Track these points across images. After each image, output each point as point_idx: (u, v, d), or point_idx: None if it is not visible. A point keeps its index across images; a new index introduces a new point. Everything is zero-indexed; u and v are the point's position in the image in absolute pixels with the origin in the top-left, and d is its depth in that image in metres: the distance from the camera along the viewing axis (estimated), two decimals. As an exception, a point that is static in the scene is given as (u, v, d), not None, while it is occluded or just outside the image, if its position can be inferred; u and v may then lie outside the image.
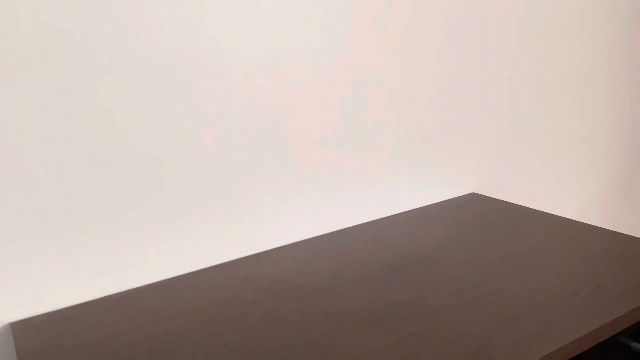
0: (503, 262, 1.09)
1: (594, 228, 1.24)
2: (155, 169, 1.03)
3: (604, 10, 1.74)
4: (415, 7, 1.30)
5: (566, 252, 1.13)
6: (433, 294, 0.98)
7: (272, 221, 1.19)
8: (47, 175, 0.94)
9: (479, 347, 0.82)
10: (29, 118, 0.90)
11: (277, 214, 1.19)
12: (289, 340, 0.86)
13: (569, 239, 1.20)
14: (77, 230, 0.98)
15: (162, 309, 0.97)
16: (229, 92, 1.08)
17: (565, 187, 1.81)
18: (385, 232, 1.26)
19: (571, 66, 1.70)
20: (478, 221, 1.31)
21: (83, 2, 0.91)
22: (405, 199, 1.39)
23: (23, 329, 0.92)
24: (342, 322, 0.90)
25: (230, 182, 1.12)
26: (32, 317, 0.96)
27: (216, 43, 1.05)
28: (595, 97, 1.81)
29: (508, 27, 1.50)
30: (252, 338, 0.87)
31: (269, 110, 1.14)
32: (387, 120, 1.31)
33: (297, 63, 1.15)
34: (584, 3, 1.68)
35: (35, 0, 0.88)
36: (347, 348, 0.83)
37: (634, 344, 0.96)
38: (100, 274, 1.01)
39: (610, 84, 1.85)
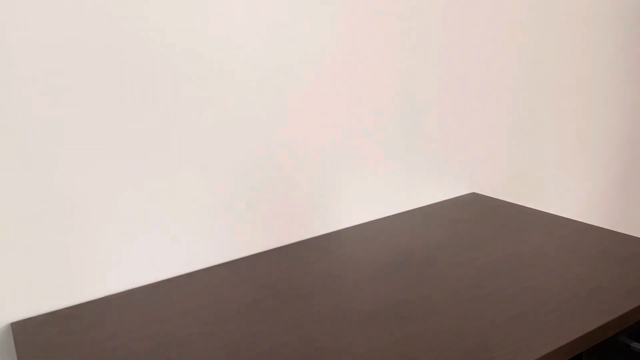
0: (503, 262, 1.09)
1: (594, 228, 1.24)
2: (154, 168, 1.03)
3: (603, 11, 1.74)
4: (417, 10, 1.30)
5: (566, 252, 1.13)
6: (433, 294, 0.98)
7: (272, 221, 1.19)
8: (46, 175, 0.94)
9: (479, 347, 0.82)
10: (38, 115, 0.90)
11: (276, 214, 1.19)
12: (289, 340, 0.86)
13: (569, 239, 1.19)
14: (77, 230, 0.98)
15: (162, 309, 0.97)
16: (232, 92, 1.08)
17: (565, 187, 1.81)
18: (385, 232, 1.26)
19: (571, 67, 1.70)
20: (478, 221, 1.31)
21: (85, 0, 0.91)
22: (405, 199, 1.39)
23: (23, 329, 0.92)
24: (342, 322, 0.90)
25: (230, 182, 1.12)
26: (32, 317, 0.96)
27: (219, 45, 1.05)
28: (595, 97, 1.81)
29: (508, 28, 1.50)
30: (252, 338, 0.87)
31: (270, 111, 1.14)
32: (387, 120, 1.31)
33: (298, 64, 1.15)
34: (584, 4, 1.68)
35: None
36: (347, 348, 0.83)
37: (634, 344, 0.96)
38: (100, 274, 1.02)
39: (610, 84, 1.85)
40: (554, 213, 1.74)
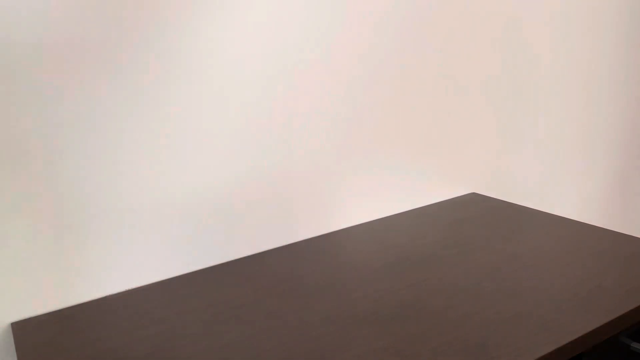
0: (503, 262, 1.09)
1: (594, 228, 1.24)
2: (153, 168, 1.03)
3: (604, 10, 1.74)
4: (413, 9, 1.30)
5: (566, 252, 1.13)
6: (433, 294, 0.98)
7: (272, 221, 1.19)
8: (46, 175, 0.94)
9: (479, 347, 0.82)
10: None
11: (276, 215, 1.19)
12: (289, 340, 0.86)
13: (569, 239, 1.19)
14: (77, 230, 0.98)
15: (162, 309, 0.97)
16: (231, 92, 1.08)
17: (565, 187, 1.81)
18: (385, 232, 1.26)
19: (571, 66, 1.70)
20: (478, 221, 1.31)
21: (88, 1, 0.91)
22: (405, 199, 1.39)
23: (23, 329, 0.92)
24: (342, 322, 0.90)
25: (229, 182, 1.12)
26: (32, 317, 0.96)
27: (219, 44, 1.05)
28: (595, 97, 1.81)
29: (508, 27, 1.50)
30: (252, 338, 0.87)
31: (269, 111, 1.14)
32: (386, 120, 1.31)
33: (297, 64, 1.15)
34: (584, 4, 1.68)
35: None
36: (347, 348, 0.83)
37: (634, 344, 0.96)
38: (100, 274, 1.02)
39: (610, 83, 1.85)
40: (554, 213, 1.74)
